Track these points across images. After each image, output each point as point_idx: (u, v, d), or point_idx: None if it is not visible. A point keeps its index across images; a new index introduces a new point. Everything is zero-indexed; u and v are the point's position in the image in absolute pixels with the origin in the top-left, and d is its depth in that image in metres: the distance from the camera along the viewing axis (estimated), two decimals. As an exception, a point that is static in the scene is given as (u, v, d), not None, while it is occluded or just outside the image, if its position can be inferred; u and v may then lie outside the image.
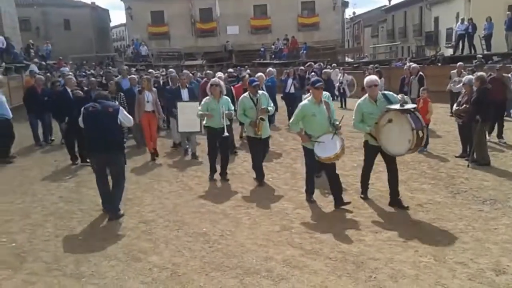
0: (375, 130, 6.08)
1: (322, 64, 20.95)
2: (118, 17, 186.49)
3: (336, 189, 6.46)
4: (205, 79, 12.08)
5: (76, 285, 4.53)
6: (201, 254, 5.12)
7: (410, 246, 5.11)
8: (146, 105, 9.61)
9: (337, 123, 6.25)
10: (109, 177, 6.43)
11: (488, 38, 20.45)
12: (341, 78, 18.38)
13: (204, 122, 7.97)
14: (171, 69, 16.12)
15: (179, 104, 9.51)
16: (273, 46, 30.44)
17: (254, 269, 4.71)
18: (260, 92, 7.72)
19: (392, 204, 6.38)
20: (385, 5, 45.16)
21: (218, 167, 8.11)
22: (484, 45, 20.75)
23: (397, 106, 5.84)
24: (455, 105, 8.99)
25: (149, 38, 33.71)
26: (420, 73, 11.95)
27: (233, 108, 8.02)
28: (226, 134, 7.57)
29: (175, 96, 9.90)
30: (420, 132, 5.76)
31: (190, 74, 13.38)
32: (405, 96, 6.07)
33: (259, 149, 7.75)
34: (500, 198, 6.48)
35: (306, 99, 6.45)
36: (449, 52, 24.00)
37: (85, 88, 10.66)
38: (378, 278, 4.43)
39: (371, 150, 6.43)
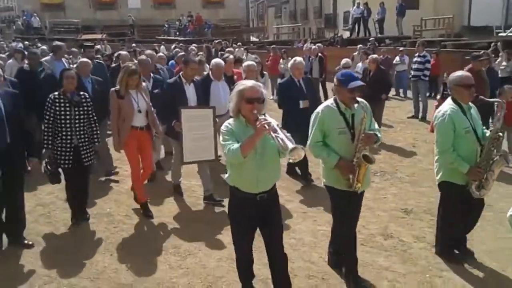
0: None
1: (227, 42, 20.96)
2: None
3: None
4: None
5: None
6: (105, 234, 5.02)
7: (309, 216, 5.47)
8: (136, 117, 5.24)
9: None
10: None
11: (381, 22, 22.00)
12: (245, 57, 18.62)
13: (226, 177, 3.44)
14: (149, 51, 9.94)
15: (183, 111, 5.42)
16: (177, 23, 29.78)
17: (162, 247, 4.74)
18: (359, 100, 3.74)
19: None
20: (287, -14, 46.18)
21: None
22: (378, 29, 22.28)
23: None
24: None
25: (41, 9, 31.16)
26: (320, 54, 12.55)
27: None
28: None
29: (173, 97, 5.65)
30: None
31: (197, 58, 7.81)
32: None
33: (354, 214, 4.12)
34: (389, 170, 7.11)
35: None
36: (347, 34, 25.30)
37: None
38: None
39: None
